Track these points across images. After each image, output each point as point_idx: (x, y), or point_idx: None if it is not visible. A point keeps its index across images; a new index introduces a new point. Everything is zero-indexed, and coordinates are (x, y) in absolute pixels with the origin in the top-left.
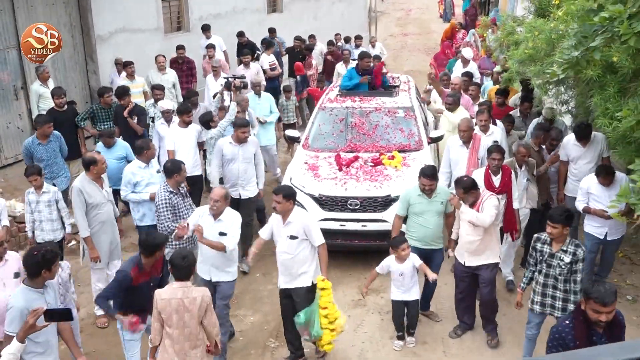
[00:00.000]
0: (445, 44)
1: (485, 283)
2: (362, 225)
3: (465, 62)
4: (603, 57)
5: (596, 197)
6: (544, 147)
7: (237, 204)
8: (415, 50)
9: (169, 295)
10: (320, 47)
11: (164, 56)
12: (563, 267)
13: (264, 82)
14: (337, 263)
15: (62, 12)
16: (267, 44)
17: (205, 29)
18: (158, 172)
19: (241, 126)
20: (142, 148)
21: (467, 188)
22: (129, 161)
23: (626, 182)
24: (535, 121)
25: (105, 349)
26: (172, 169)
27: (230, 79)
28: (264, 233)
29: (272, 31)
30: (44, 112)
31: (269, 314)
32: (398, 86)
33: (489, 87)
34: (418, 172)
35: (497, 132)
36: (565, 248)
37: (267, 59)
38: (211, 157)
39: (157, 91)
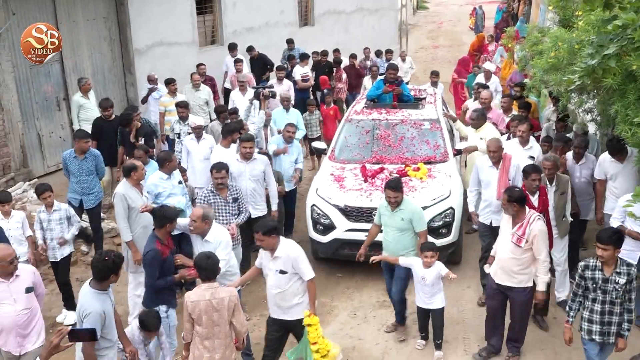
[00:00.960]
0: (465, 58)
1: (517, 306)
2: None
3: (488, 76)
4: (622, 66)
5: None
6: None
7: (248, 223)
8: (445, 62)
9: (198, 297)
10: (345, 61)
11: (199, 74)
12: (619, 289)
13: (292, 98)
14: (361, 268)
15: (102, 27)
16: (302, 55)
17: (232, 47)
18: (180, 183)
19: (246, 141)
20: (164, 160)
21: (512, 197)
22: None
23: None
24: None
25: None
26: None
27: (259, 89)
28: (258, 263)
29: (290, 42)
30: (85, 122)
31: None
32: (424, 98)
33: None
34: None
35: (535, 147)
36: (618, 270)
37: (300, 70)
38: None
39: (180, 109)
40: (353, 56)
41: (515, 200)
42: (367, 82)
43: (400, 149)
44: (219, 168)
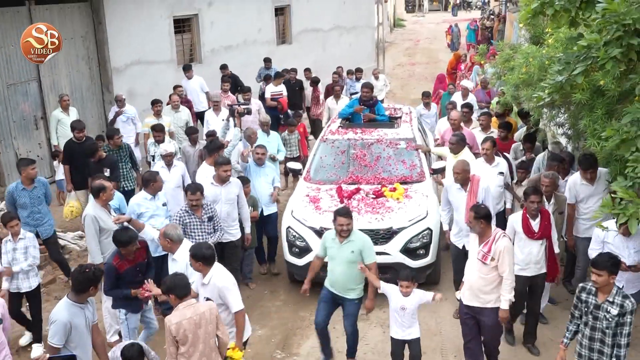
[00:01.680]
0: (441, 75)
1: (487, 330)
2: None
3: (465, 93)
4: (591, 82)
5: (613, 247)
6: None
7: (221, 249)
8: (422, 79)
9: (179, 317)
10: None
11: (178, 95)
12: (610, 319)
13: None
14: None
15: (80, 46)
16: (275, 74)
17: (187, 69)
18: (164, 205)
19: (223, 164)
20: (148, 180)
21: (478, 214)
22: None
23: (609, 194)
24: (541, 155)
25: None
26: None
27: (234, 106)
28: (194, 286)
29: (267, 61)
30: (63, 138)
31: (275, 328)
32: (400, 117)
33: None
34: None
35: (502, 163)
36: (611, 299)
37: (270, 89)
38: None
39: (155, 133)
40: (336, 74)
41: (481, 217)
42: (330, 102)
43: (376, 169)
44: (194, 190)
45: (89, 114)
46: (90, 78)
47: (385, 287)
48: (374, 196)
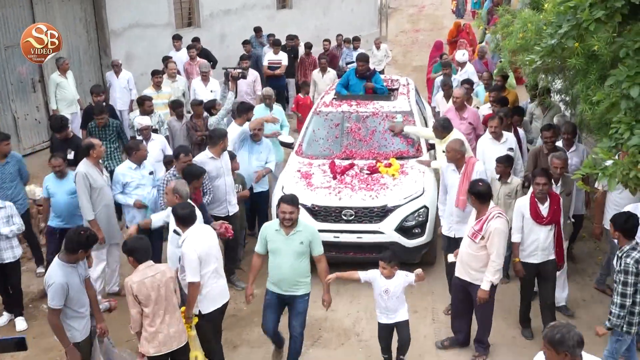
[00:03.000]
0: (438, 42)
1: (477, 305)
2: (357, 237)
3: (461, 65)
4: (585, 47)
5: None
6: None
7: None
8: (425, 46)
9: (140, 276)
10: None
11: (174, 62)
12: None
13: (259, 90)
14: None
15: (77, 8)
16: (274, 42)
17: (176, 38)
18: (151, 173)
19: (224, 136)
20: (131, 149)
21: (471, 189)
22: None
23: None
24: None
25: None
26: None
27: (229, 69)
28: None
29: (257, 30)
30: (61, 101)
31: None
32: (397, 89)
33: (481, 92)
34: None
35: (511, 139)
36: None
37: (269, 57)
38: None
39: (147, 102)
40: (308, 46)
41: (472, 193)
42: (316, 75)
43: (371, 144)
44: (187, 152)
45: (86, 78)
46: (87, 41)
47: (366, 275)
48: (369, 172)
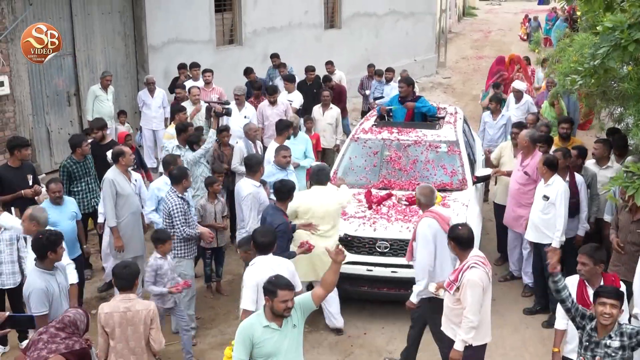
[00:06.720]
0: (500, 57)
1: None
2: (392, 271)
3: (518, 96)
4: (639, 70)
5: None
6: None
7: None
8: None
9: (111, 308)
10: (340, 76)
11: (198, 88)
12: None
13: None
14: (366, 312)
15: (117, 21)
16: (288, 77)
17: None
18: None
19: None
20: (169, 163)
21: (449, 234)
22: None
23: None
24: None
25: None
26: (179, 175)
27: (212, 104)
28: None
29: (274, 57)
30: (97, 115)
31: None
32: (443, 117)
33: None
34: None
35: (557, 184)
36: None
37: (283, 96)
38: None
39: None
40: (371, 66)
41: (452, 238)
42: (316, 112)
43: (411, 174)
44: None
45: (122, 93)
46: (125, 55)
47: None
48: (407, 203)
